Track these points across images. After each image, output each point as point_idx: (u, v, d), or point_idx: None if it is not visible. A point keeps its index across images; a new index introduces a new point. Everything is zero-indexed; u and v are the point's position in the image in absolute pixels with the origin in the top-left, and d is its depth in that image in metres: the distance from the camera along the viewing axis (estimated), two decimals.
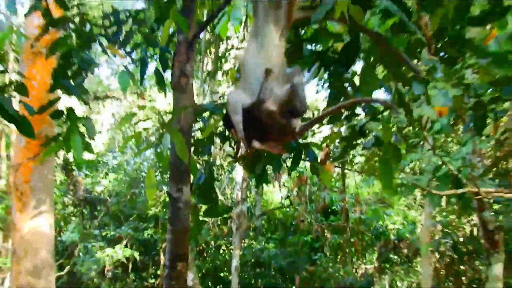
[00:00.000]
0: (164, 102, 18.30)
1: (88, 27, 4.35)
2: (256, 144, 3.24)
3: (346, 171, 19.55)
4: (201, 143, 4.50)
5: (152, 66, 4.70)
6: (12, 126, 3.95)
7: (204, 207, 4.79)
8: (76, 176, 20.58)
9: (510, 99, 5.21)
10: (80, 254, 19.69)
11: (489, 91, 4.88)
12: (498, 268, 10.14)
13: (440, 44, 4.92)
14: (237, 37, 15.81)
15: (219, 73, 17.29)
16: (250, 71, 3.33)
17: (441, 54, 4.92)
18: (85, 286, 20.53)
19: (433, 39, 4.14)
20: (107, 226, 19.65)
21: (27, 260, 8.08)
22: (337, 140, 5.48)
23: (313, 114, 17.09)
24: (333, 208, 20.66)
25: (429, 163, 8.43)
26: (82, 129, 4.08)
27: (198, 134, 4.58)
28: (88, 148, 3.94)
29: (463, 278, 18.95)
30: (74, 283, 20.37)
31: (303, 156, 4.48)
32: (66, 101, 13.68)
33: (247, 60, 3.37)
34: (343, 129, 5.52)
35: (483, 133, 8.33)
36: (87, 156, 21.47)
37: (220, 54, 16.82)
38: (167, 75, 4.59)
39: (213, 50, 16.58)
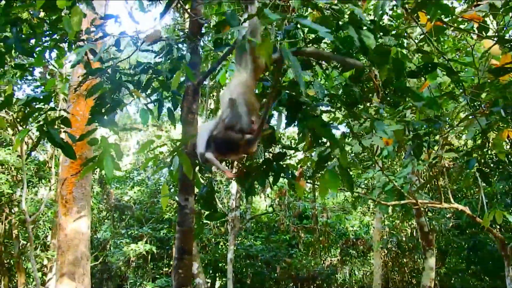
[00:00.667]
0: (177, 132, 18.38)
1: (118, 75, 4.35)
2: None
3: (316, 185, 19.53)
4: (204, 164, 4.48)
5: (167, 105, 4.72)
6: (60, 150, 3.95)
7: (206, 213, 4.77)
8: (108, 188, 20.51)
9: (439, 132, 5.24)
10: (111, 248, 19.59)
11: (423, 127, 4.91)
12: (431, 261, 10.11)
13: (386, 91, 4.96)
14: None
15: (219, 112, 17.32)
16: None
17: (388, 99, 4.96)
18: (115, 273, 20.38)
19: (381, 87, 4.17)
20: (132, 226, 19.54)
21: (69, 253, 8.02)
22: (309, 163, 5.48)
23: (291, 142, 17.13)
24: (306, 214, 20.68)
25: (379, 180, 8.44)
26: (113, 153, 4.06)
27: None
28: (116, 167, 3.92)
29: (405, 268, 18.92)
30: (106, 271, 20.23)
31: (282, 174, 4.47)
32: (101, 131, 13.67)
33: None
34: (313, 154, 5.53)
35: (420, 158, 8.38)
36: (117, 173, 21.44)
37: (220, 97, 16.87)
38: (178, 112, 4.59)
39: (215, 93, 16.65)
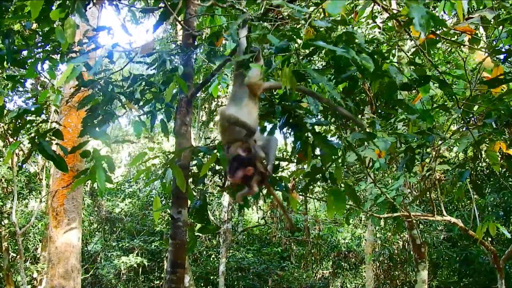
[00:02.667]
0: (169, 144, 18.33)
1: (110, 87, 4.33)
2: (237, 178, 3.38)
3: (308, 198, 19.54)
4: (196, 176, 4.46)
5: (160, 118, 4.69)
6: (51, 162, 3.91)
7: (198, 226, 4.73)
8: (99, 200, 20.41)
9: (432, 145, 5.24)
10: (102, 260, 19.43)
11: (416, 139, 4.91)
12: (424, 274, 10.09)
13: (379, 103, 4.97)
14: (225, 96, 15.89)
15: (211, 123, 17.38)
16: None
17: (380, 111, 4.96)
18: (105, 286, 20.20)
19: (374, 99, 4.17)
20: (123, 239, 19.43)
21: (59, 266, 7.94)
22: (301, 175, 5.46)
23: (282, 154, 17.11)
24: (298, 226, 20.61)
25: (371, 193, 8.43)
26: (105, 165, 4.03)
27: (195, 169, 4.53)
28: (108, 180, 3.88)
29: (397, 281, 18.87)
30: (97, 284, 20.04)
31: (275, 187, 4.46)
32: (93, 143, 13.60)
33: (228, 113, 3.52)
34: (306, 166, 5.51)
35: (412, 171, 8.39)
36: (108, 185, 21.35)
37: (212, 109, 16.92)
38: (171, 124, 4.57)
39: (207, 105, 16.67)
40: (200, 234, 18.00)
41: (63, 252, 8.02)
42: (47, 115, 12.25)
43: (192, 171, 4.51)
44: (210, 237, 19.73)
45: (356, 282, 21.05)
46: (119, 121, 23.81)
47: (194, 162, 4.57)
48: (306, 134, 4.06)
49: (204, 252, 19.68)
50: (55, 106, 10.88)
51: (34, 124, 4.04)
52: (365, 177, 9.67)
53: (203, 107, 16.53)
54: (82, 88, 4.40)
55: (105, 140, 4.17)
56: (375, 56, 3.43)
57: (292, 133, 4.44)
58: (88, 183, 17.70)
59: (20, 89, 13.76)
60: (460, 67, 5.04)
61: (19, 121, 4.04)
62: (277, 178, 4.59)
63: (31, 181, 16.38)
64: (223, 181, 4.66)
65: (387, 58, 3.93)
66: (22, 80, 5.34)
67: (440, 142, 5.30)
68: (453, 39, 5.11)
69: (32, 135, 3.84)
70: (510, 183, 12.31)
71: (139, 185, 20.89)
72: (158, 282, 19.23)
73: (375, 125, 4.38)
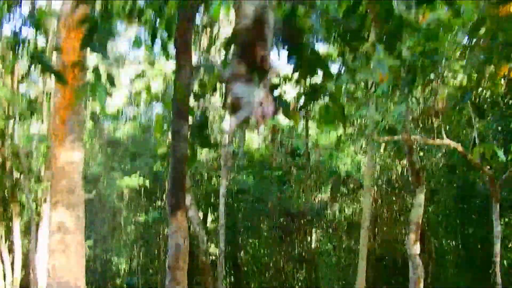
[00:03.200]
0: (170, 68, 18.05)
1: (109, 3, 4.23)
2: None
3: (309, 124, 19.62)
4: (197, 94, 4.45)
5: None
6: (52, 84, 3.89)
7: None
8: (101, 124, 20.48)
9: (436, 68, 5.20)
10: (104, 182, 19.73)
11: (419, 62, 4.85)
12: (420, 198, 10.28)
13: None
14: (228, 20, 15.55)
15: (213, 50, 17.15)
16: None
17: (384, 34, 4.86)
18: (108, 206, 20.66)
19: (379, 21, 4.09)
20: (125, 161, 19.63)
21: (62, 182, 8.03)
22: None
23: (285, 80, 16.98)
24: (298, 151, 20.79)
25: (372, 118, 8.44)
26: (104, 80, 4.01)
27: (196, 87, 4.51)
28: (108, 93, 3.87)
29: (394, 206, 19.24)
30: (100, 203, 20.45)
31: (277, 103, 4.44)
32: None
33: None
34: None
35: (414, 96, 8.37)
36: (110, 109, 21.36)
37: (213, 34, 16.65)
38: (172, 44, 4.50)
39: (208, 30, 16.38)
40: (202, 154, 18.19)
41: (65, 169, 8.10)
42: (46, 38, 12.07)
43: (193, 90, 4.49)
44: (211, 160, 19.91)
45: (354, 207, 21.44)
46: (120, 49, 23.49)
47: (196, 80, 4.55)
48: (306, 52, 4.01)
49: (206, 174, 19.93)
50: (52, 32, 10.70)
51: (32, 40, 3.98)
52: (366, 102, 9.64)
53: (204, 32, 16.20)
54: (80, 6, 4.32)
55: (105, 56, 4.11)
56: None
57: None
58: (89, 105, 17.68)
59: (18, 12, 13.46)
60: None
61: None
62: (277, 96, 4.58)
63: (33, 103, 16.33)
64: (224, 98, 4.64)
65: None
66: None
67: (444, 65, 5.24)
68: None
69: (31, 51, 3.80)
70: None
71: (141, 108, 20.86)
72: (160, 203, 19.62)
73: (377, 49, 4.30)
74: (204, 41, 16.96)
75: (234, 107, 4.32)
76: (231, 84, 3.54)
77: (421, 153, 14.50)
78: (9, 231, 17.61)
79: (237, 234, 21.02)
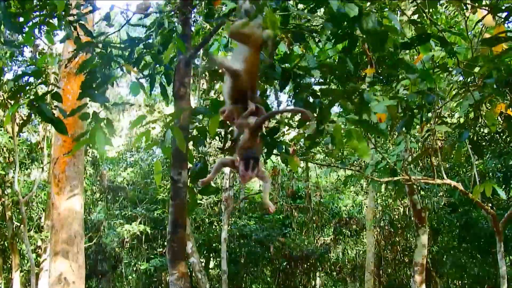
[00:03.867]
0: (170, 111, 18.20)
1: (108, 50, 4.30)
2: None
3: (309, 165, 19.63)
4: (196, 139, 4.47)
5: (159, 81, 4.68)
6: (52, 130, 3.91)
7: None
8: (102, 169, 20.51)
9: (432, 107, 5.24)
10: (105, 229, 19.61)
11: (416, 100, 4.89)
12: (424, 238, 10.18)
13: (379, 67, 4.94)
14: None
15: (212, 92, 17.32)
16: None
17: (380, 73, 4.93)
18: (109, 254, 20.48)
19: (374, 59, 4.15)
20: (126, 207, 19.56)
21: (63, 232, 8.02)
22: (302, 140, 5.47)
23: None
24: (299, 193, 20.76)
25: (372, 158, 8.44)
26: (104, 128, 4.03)
27: (195, 132, 4.54)
28: (108, 142, 3.89)
29: (398, 246, 19.06)
30: (100, 252, 20.30)
31: (275, 150, 4.47)
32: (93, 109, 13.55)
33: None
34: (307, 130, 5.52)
35: (411, 132, 8.40)
36: (110, 154, 21.42)
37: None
38: (171, 92, 4.54)
39: (207, 73, 16.55)
40: (202, 201, 18.14)
41: (65, 218, 8.09)
42: (46, 83, 12.23)
43: (192, 134, 4.52)
44: (212, 204, 19.84)
45: (357, 248, 21.24)
46: (120, 91, 23.77)
47: (195, 125, 4.58)
48: (305, 95, 4.06)
49: (207, 219, 19.81)
50: (54, 75, 10.88)
51: (32, 87, 4.01)
52: (366, 143, 9.65)
53: (203, 75, 16.38)
54: (80, 52, 4.38)
55: (104, 103, 4.15)
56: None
57: (292, 95, 4.44)
58: (89, 152, 17.76)
59: (19, 59, 13.71)
60: (463, 31, 5.00)
61: (17, 84, 4.03)
62: (277, 141, 4.60)
63: (33, 151, 16.40)
64: (223, 143, 4.66)
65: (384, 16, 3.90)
66: (20, 48, 5.30)
67: (440, 104, 5.29)
68: None
69: (31, 97, 3.83)
70: (511, 148, 12.34)
71: (141, 154, 20.94)
72: (161, 249, 19.43)
73: (375, 87, 4.38)
74: (203, 85, 17.16)
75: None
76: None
77: (422, 192, 14.46)
78: (8, 283, 17.39)
79: (240, 280, 20.73)
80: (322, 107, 4.19)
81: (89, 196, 19.63)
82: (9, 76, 14.83)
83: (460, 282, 18.10)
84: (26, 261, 17.15)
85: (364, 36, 3.80)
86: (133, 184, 20.33)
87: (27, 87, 4.01)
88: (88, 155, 18.05)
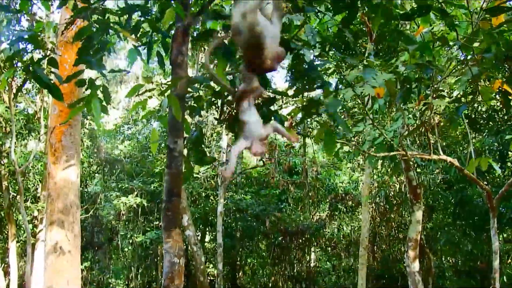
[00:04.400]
0: (167, 83, 18.07)
1: (106, 17, 4.25)
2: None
3: (306, 141, 19.66)
4: (193, 108, 4.46)
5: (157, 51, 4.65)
6: (50, 100, 3.89)
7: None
8: (99, 142, 20.50)
9: (430, 81, 5.22)
10: (102, 201, 19.68)
11: (414, 73, 4.87)
12: (418, 214, 10.27)
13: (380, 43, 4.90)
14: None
15: (211, 65, 17.17)
16: None
17: (380, 46, 4.90)
18: (105, 226, 20.60)
19: (373, 31, 4.12)
20: (123, 180, 19.61)
21: (58, 201, 8.02)
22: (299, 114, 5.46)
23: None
24: (296, 169, 20.81)
25: (369, 134, 8.44)
26: (100, 95, 4.02)
27: (192, 102, 4.52)
28: (104, 109, 3.87)
29: (393, 223, 19.21)
30: (96, 224, 20.42)
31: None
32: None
33: None
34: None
35: (410, 111, 8.39)
36: (108, 127, 21.39)
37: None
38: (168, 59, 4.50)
39: (205, 45, 16.40)
40: (199, 173, 18.15)
41: (61, 188, 8.08)
42: (43, 52, 12.12)
43: (189, 103, 4.50)
44: (208, 178, 19.90)
45: (352, 224, 21.42)
46: (118, 63, 23.61)
47: (191, 94, 4.56)
48: (302, 66, 4.04)
49: (203, 193, 19.90)
50: (51, 44, 10.77)
51: (28, 52, 3.98)
52: (363, 118, 9.66)
53: (202, 47, 16.25)
54: (77, 20, 4.34)
55: (101, 70, 4.11)
56: None
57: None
58: (87, 124, 17.72)
59: (17, 28, 13.54)
60: (464, 6, 4.95)
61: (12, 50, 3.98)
62: (274, 111, 4.58)
63: (30, 121, 16.35)
64: (219, 113, 4.65)
65: None
66: (17, 15, 5.24)
67: (439, 78, 5.27)
68: None
69: (27, 63, 3.80)
70: (509, 125, 12.33)
71: (138, 128, 20.92)
72: (157, 222, 19.55)
73: (374, 61, 4.34)
74: (202, 59, 17.04)
75: (233, 127, 4.34)
76: (240, 102, 3.56)
77: (418, 169, 14.51)
78: (4, 253, 17.51)
79: (236, 253, 20.93)
80: (319, 79, 4.17)
81: (86, 168, 19.66)
82: (6, 45, 14.67)
83: (453, 258, 18.30)
84: (22, 231, 17.22)
85: (365, 7, 3.78)
86: (130, 157, 20.37)
87: (23, 53, 3.97)
88: (85, 127, 18.02)
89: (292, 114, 5.48)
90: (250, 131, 3.44)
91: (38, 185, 16.85)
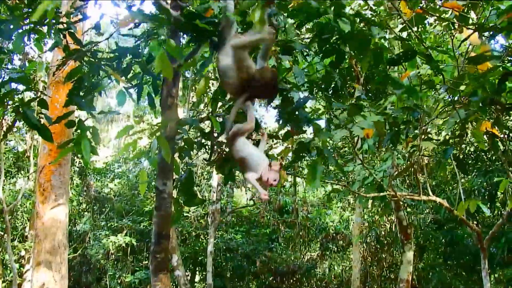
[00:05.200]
0: (157, 124, 18.14)
1: (97, 58, 4.29)
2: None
3: (297, 181, 19.65)
4: (183, 149, 4.46)
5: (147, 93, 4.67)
6: (40, 139, 3.88)
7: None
8: (88, 180, 20.37)
9: (418, 123, 5.27)
10: (90, 240, 19.42)
11: (402, 116, 4.92)
12: (409, 255, 10.22)
13: (368, 83, 4.96)
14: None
15: (202, 105, 17.34)
16: None
17: (368, 88, 4.96)
18: (94, 266, 20.25)
19: (361, 74, 4.18)
20: (112, 219, 19.42)
21: (46, 241, 7.92)
22: (290, 154, 5.49)
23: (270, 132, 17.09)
24: (286, 208, 20.73)
25: (359, 174, 8.47)
26: (90, 136, 4.01)
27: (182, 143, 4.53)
28: (93, 150, 3.86)
29: (384, 263, 19.06)
30: (85, 263, 20.08)
31: None
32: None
33: None
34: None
35: (399, 152, 8.45)
36: (97, 165, 21.28)
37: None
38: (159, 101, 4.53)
39: (196, 86, 16.57)
40: (188, 214, 18.02)
41: (49, 228, 7.99)
42: (35, 92, 12.18)
43: (179, 145, 4.51)
44: (198, 218, 19.77)
45: (344, 264, 21.22)
46: (109, 101, 23.71)
47: (181, 136, 4.57)
48: (292, 108, 4.07)
49: (193, 232, 19.73)
50: (42, 83, 10.81)
51: (19, 93, 3.99)
52: (353, 159, 9.70)
53: (192, 88, 16.40)
54: (69, 61, 4.37)
55: (91, 111, 4.12)
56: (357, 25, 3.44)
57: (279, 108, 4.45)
58: (76, 163, 17.64)
59: (9, 67, 13.61)
60: (450, 50, 5.05)
61: (3, 90, 3.99)
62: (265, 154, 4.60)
63: (19, 160, 16.27)
64: (209, 155, 4.66)
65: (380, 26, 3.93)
66: (10, 55, 5.27)
67: (427, 120, 5.33)
68: (441, 16, 5.11)
69: (17, 103, 3.80)
70: (497, 165, 12.42)
71: (128, 166, 20.85)
72: (146, 262, 19.25)
73: (363, 102, 4.40)
74: (193, 98, 17.16)
75: (223, 168, 4.35)
76: (233, 141, 3.61)
77: (409, 209, 14.52)
78: None
79: None
80: (308, 121, 4.20)
81: (75, 206, 19.48)
82: None
83: None
84: (9, 271, 16.90)
85: (352, 52, 3.84)
86: (119, 195, 20.21)
87: (14, 94, 3.98)
88: (75, 165, 17.93)
89: (282, 154, 5.51)
90: (256, 162, 3.49)
91: (26, 224, 16.65)
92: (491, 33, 4.18)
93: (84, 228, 19.73)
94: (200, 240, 20.08)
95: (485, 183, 13.15)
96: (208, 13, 4.20)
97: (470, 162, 13.22)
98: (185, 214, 17.80)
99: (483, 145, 5.23)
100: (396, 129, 4.52)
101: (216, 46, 3.76)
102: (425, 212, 15.08)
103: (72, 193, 17.25)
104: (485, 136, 5.16)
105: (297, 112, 4.19)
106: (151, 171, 15.37)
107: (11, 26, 4.42)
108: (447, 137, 6.44)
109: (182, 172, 4.46)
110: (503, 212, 12.07)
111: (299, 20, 3.85)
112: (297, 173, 16.34)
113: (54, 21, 4.32)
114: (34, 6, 4.37)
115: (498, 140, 4.93)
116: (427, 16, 4.46)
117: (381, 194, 7.54)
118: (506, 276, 14.75)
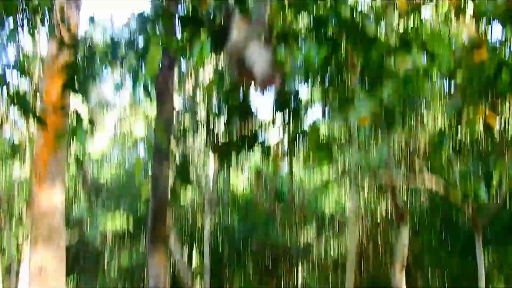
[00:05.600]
0: (153, 113, 18.00)
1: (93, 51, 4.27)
2: None
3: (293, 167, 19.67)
4: (178, 135, 4.48)
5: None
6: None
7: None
8: (86, 168, 20.40)
9: (415, 111, 5.28)
10: (88, 226, 19.48)
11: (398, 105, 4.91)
12: (405, 237, 10.28)
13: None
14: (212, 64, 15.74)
15: (197, 97, 17.30)
16: None
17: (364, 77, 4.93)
18: (91, 250, 20.36)
19: (357, 63, 4.17)
20: (109, 205, 19.46)
21: (43, 225, 7.90)
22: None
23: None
24: (282, 194, 20.75)
25: (356, 160, 8.50)
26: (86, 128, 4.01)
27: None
28: (89, 136, 3.86)
29: (379, 245, 19.18)
30: (82, 248, 20.18)
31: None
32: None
33: None
34: None
35: (394, 138, 8.47)
36: (95, 155, 21.28)
37: (197, 80, 16.81)
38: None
39: (192, 74, 16.51)
40: (185, 188, 18.08)
41: (46, 213, 7.97)
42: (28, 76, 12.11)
43: (175, 133, 4.51)
44: (196, 199, 19.78)
45: (340, 246, 21.31)
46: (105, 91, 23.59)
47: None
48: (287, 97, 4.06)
49: (191, 213, 19.80)
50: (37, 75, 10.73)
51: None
52: (349, 145, 9.72)
53: (188, 77, 16.31)
54: (63, 53, 4.35)
55: (85, 96, 4.10)
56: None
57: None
58: (73, 152, 17.61)
59: (3, 60, 13.48)
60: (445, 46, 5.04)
61: None
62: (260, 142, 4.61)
63: (16, 150, 16.21)
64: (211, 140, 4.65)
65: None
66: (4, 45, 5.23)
67: (423, 109, 5.33)
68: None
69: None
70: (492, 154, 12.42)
71: (125, 154, 20.86)
72: (143, 246, 19.37)
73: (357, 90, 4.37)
74: (189, 85, 17.08)
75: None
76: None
77: (405, 193, 14.56)
78: None
79: (223, 272, 20.73)
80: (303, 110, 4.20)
81: (72, 193, 19.50)
82: None
83: (439, 280, 18.26)
84: (7, 255, 16.99)
85: (349, 40, 3.82)
86: (117, 182, 20.23)
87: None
88: (72, 153, 17.91)
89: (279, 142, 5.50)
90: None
91: (23, 209, 16.66)
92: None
93: (81, 214, 19.77)
94: (198, 221, 20.10)
95: (480, 168, 13.15)
96: (203, 6, 4.17)
97: (465, 149, 13.23)
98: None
99: (477, 135, 5.23)
100: (392, 117, 4.51)
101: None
102: (421, 195, 15.12)
103: (69, 181, 17.25)
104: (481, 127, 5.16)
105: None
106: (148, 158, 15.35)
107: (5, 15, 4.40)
108: (444, 124, 6.45)
109: (178, 157, 4.47)
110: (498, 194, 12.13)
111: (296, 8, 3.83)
112: (293, 158, 16.35)
113: (47, 11, 4.29)
114: None
115: (493, 127, 4.92)
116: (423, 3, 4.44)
117: (378, 180, 7.58)
118: (499, 257, 14.87)
